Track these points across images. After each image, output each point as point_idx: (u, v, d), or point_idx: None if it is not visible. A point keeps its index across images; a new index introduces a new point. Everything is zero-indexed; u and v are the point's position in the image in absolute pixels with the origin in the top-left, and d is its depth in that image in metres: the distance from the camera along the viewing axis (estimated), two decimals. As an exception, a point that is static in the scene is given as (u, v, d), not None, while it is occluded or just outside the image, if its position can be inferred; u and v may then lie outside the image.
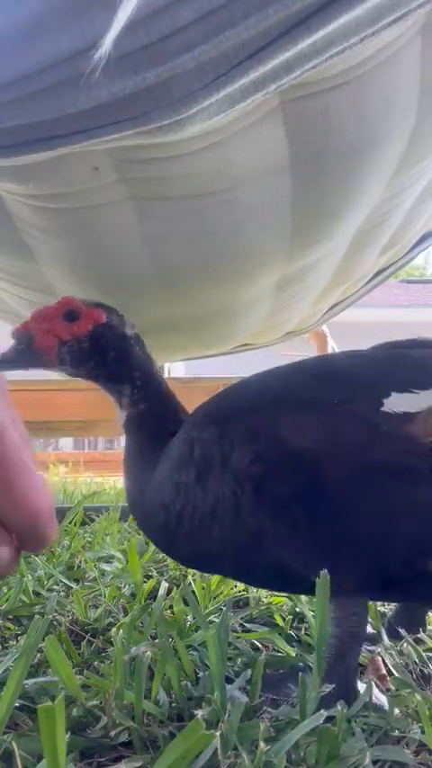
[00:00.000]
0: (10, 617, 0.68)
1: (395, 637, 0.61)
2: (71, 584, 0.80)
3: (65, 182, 0.63)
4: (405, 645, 0.59)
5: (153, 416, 0.65)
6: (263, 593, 0.78)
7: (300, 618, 0.70)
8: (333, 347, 1.84)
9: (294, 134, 0.63)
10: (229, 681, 0.49)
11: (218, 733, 0.36)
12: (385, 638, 0.60)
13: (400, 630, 0.60)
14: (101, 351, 0.65)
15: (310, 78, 0.54)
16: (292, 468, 0.49)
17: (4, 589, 0.75)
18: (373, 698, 0.46)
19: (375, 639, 0.61)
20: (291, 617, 0.68)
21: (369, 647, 0.60)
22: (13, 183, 0.63)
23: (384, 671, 0.54)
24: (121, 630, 0.57)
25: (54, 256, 0.77)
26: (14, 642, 0.62)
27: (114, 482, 2.68)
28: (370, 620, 0.64)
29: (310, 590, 0.49)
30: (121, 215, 0.68)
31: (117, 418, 0.68)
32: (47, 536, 0.33)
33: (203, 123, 0.51)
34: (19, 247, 0.76)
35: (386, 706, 0.46)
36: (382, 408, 0.48)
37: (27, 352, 0.64)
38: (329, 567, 0.47)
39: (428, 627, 0.64)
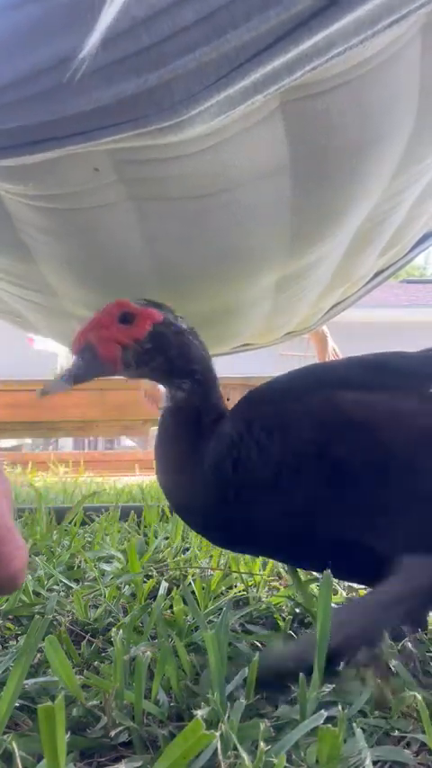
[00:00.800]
0: (10, 617, 0.68)
1: (396, 637, 0.61)
2: (71, 584, 0.79)
3: (65, 182, 0.63)
4: (406, 644, 0.59)
5: (203, 406, 0.65)
6: (263, 593, 0.78)
7: (300, 618, 0.70)
8: (333, 347, 1.83)
9: (294, 133, 0.63)
10: (229, 681, 0.49)
11: (218, 733, 0.36)
12: (386, 637, 0.60)
13: (403, 629, 0.60)
14: (163, 349, 0.63)
15: (310, 79, 0.54)
16: (353, 434, 0.54)
17: (4, 589, 0.74)
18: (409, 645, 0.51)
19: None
20: (291, 617, 0.68)
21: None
22: (13, 184, 0.63)
23: (385, 671, 0.53)
24: (121, 630, 0.57)
25: (54, 257, 0.77)
26: (14, 642, 0.62)
27: (114, 482, 2.68)
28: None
29: (358, 572, 0.58)
30: (121, 215, 0.68)
31: (160, 399, 0.68)
32: (15, 588, 0.37)
33: (203, 125, 0.51)
34: (18, 247, 0.76)
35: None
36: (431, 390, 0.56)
37: (93, 365, 0.62)
38: (389, 525, 0.53)
39: (429, 627, 0.64)
